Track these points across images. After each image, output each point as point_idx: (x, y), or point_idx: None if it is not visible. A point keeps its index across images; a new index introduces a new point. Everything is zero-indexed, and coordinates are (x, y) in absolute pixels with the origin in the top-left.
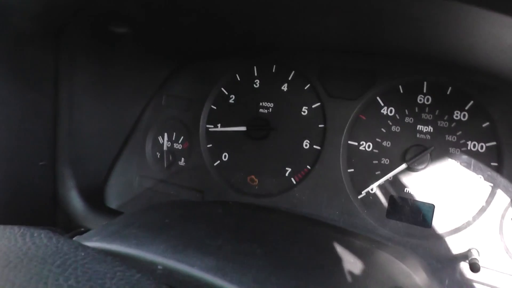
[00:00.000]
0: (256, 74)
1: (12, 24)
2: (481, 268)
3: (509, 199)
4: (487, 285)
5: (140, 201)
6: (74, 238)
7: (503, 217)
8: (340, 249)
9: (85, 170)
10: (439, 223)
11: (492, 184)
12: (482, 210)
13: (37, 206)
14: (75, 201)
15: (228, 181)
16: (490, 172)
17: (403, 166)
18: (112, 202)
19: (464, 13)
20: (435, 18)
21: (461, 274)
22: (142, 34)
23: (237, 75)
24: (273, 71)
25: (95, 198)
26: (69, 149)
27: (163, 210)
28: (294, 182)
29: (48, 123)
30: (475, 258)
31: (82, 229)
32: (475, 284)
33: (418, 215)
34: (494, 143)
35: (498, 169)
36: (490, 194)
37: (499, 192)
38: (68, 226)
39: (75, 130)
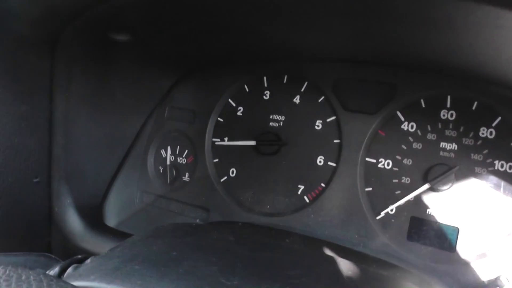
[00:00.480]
0: (266, 85)
1: (7, 29)
2: None
3: None
4: None
5: (141, 218)
6: (70, 271)
7: None
8: (365, 282)
9: (83, 186)
10: (464, 248)
11: None
12: (509, 233)
13: (32, 225)
14: (72, 220)
15: (236, 199)
16: None
17: (426, 186)
18: (111, 220)
19: (498, 19)
20: (462, 23)
21: None
22: (144, 41)
23: (245, 85)
24: (285, 82)
25: (93, 216)
26: (66, 165)
27: (168, 238)
28: (308, 201)
29: (43, 137)
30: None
31: (80, 256)
32: None
33: (441, 239)
34: None
35: None
36: None
37: None
38: (65, 247)
39: (72, 144)
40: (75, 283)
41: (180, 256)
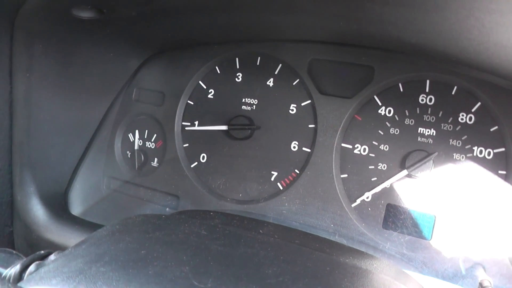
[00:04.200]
0: (238, 67)
1: None
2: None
3: None
4: None
5: (108, 206)
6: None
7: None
8: (343, 278)
9: (47, 173)
10: (441, 236)
11: (499, 194)
12: (487, 221)
13: None
14: (36, 209)
15: (207, 186)
16: (498, 181)
17: (403, 173)
18: (77, 208)
19: (492, 3)
20: (452, 6)
21: None
22: (110, 19)
23: (216, 67)
24: (258, 63)
25: (57, 205)
26: (28, 150)
27: (137, 233)
28: (281, 188)
29: (3, 121)
30: (484, 280)
31: (42, 252)
32: None
33: (418, 227)
34: (502, 149)
35: (506, 178)
36: (495, 205)
37: (507, 202)
38: (28, 237)
39: (34, 129)
40: None
41: (149, 254)
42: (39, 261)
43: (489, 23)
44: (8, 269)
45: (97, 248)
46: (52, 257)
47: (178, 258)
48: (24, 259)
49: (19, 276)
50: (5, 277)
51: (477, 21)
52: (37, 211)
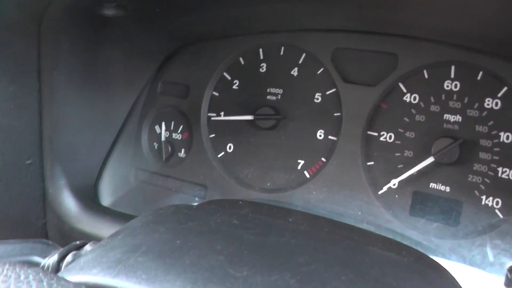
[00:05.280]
0: (262, 57)
1: None
2: None
3: None
4: None
5: (137, 197)
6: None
7: None
8: (373, 266)
9: (76, 166)
10: (468, 222)
11: None
12: None
13: (26, 207)
14: (67, 201)
15: (234, 175)
16: None
17: (430, 159)
18: (106, 199)
19: None
20: None
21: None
22: (134, 16)
23: (240, 58)
24: (281, 53)
25: (88, 197)
26: (57, 145)
27: (170, 223)
28: (308, 176)
29: (33, 118)
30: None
31: (78, 242)
32: None
33: (445, 214)
34: None
35: None
36: None
37: None
38: (60, 228)
39: (63, 124)
40: (78, 278)
41: (184, 244)
42: (76, 251)
43: None
44: (46, 259)
45: (133, 239)
46: (88, 247)
47: (212, 247)
48: (61, 249)
49: (57, 266)
50: (43, 267)
51: (506, 3)
52: (69, 203)
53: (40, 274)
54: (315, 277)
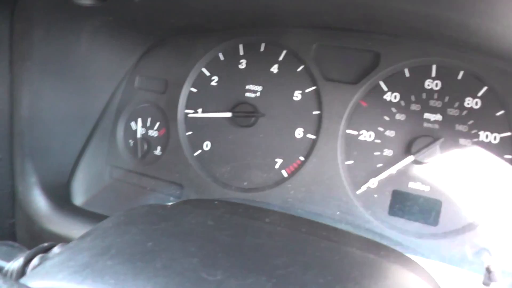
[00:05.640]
0: (242, 53)
1: None
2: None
3: None
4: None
5: (111, 196)
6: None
7: None
8: (352, 267)
9: (48, 163)
10: (448, 222)
11: (505, 179)
12: (495, 206)
13: None
14: (37, 200)
15: (211, 174)
16: (504, 166)
17: (409, 158)
18: (79, 197)
19: None
20: None
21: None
22: (112, 6)
23: (220, 54)
24: (262, 50)
25: (60, 195)
26: (29, 140)
27: (142, 224)
28: (286, 175)
29: (3, 111)
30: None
31: (46, 244)
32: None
33: (424, 213)
34: (508, 133)
35: None
36: (502, 189)
37: None
38: (30, 229)
39: (35, 118)
40: (42, 284)
41: (156, 246)
42: (43, 254)
43: (499, 7)
44: (11, 262)
45: (102, 241)
46: (56, 249)
47: (186, 249)
48: (27, 252)
49: (22, 270)
50: (6, 272)
51: (488, 5)
52: (39, 202)
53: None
54: (292, 280)
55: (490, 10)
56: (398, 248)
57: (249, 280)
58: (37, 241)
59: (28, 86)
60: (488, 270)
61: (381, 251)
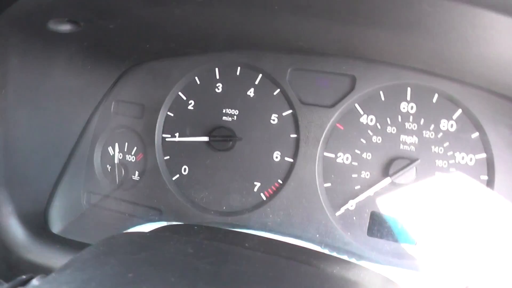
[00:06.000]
0: (218, 77)
1: None
2: None
3: (499, 216)
4: None
5: (89, 222)
6: None
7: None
8: None
9: (25, 192)
10: (426, 241)
11: (481, 199)
12: (471, 225)
13: None
14: (14, 229)
15: (189, 199)
16: (480, 187)
17: (387, 180)
18: (57, 225)
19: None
20: (435, 23)
21: None
22: (88, 32)
23: (196, 77)
24: (238, 74)
25: (37, 224)
26: (5, 170)
27: (122, 255)
28: (265, 199)
29: None
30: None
31: (24, 276)
32: None
33: (402, 233)
34: (484, 155)
35: (488, 183)
36: (478, 210)
37: (489, 207)
38: (7, 259)
39: (11, 147)
40: None
41: (137, 278)
42: (21, 287)
43: (471, 37)
44: None
45: (82, 273)
46: (35, 282)
47: (166, 280)
48: (5, 285)
49: None
50: None
51: (460, 35)
52: (16, 231)
53: None
54: None
55: (463, 40)
56: (378, 270)
57: None
58: (14, 271)
59: (2, 114)
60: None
61: (361, 273)
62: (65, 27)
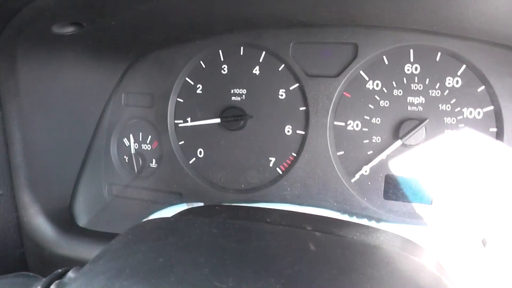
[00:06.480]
0: (222, 59)
1: None
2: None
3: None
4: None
5: (113, 212)
6: None
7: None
8: (354, 257)
9: (49, 191)
10: (442, 200)
11: (491, 152)
12: (483, 179)
13: (1, 240)
14: (43, 227)
15: (208, 180)
16: (489, 140)
17: (398, 143)
18: (83, 219)
19: None
20: None
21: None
22: (91, 31)
23: (201, 62)
24: (241, 53)
25: (64, 220)
26: (28, 172)
27: (151, 241)
28: (281, 172)
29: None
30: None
31: (60, 270)
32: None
33: (418, 194)
34: (491, 107)
35: (498, 135)
36: (489, 162)
37: (499, 158)
38: (40, 255)
39: (30, 149)
40: None
41: (167, 261)
42: (59, 280)
43: None
44: None
45: (115, 263)
46: (70, 274)
47: (196, 261)
48: (43, 280)
49: None
50: None
51: None
52: (45, 229)
53: None
54: (300, 278)
55: None
56: (396, 231)
57: (259, 284)
58: (48, 266)
59: (19, 120)
60: (483, 243)
61: (380, 237)
62: (69, 29)
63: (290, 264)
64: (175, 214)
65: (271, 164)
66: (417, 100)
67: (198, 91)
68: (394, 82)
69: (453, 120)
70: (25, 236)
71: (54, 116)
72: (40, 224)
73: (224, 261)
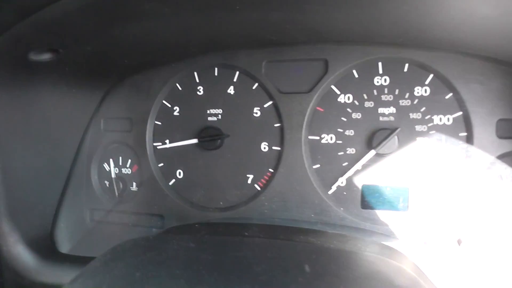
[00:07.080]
0: (198, 80)
1: None
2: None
3: (483, 168)
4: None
5: (95, 238)
6: None
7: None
8: (330, 263)
9: (29, 218)
10: (417, 206)
11: (464, 156)
12: (456, 183)
13: None
14: (23, 256)
15: (188, 200)
16: (460, 144)
17: (372, 152)
18: (65, 245)
19: None
20: None
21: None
22: (67, 57)
23: (177, 84)
24: (216, 74)
25: (45, 247)
26: (7, 201)
27: (128, 258)
28: (259, 189)
29: None
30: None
31: None
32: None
33: (394, 201)
34: (460, 113)
35: (468, 139)
36: (461, 166)
37: (472, 162)
38: (21, 285)
39: (9, 178)
40: None
41: (144, 275)
42: None
43: (422, 7)
44: None
45: (93, 280)
46: None
47: (171, 273)
48: None
49: None
50: None
51: (410, 6)
52: (25, 257)
53: None
54: (274, 283)
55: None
56: (374, 238)
57: None
58: None
59: None
60: (458, 242)
61: (356, 243)
62: (45, 56)
63: (265, 270)
64: (155, 233)
65: (249, 181)
66: (388, 110)
67: (175, 113)
68: (365, 95)
69: (424, 128)
70: (4, 266)
71: (32, 144)
72: (20, 253)
73: (199, 272)
